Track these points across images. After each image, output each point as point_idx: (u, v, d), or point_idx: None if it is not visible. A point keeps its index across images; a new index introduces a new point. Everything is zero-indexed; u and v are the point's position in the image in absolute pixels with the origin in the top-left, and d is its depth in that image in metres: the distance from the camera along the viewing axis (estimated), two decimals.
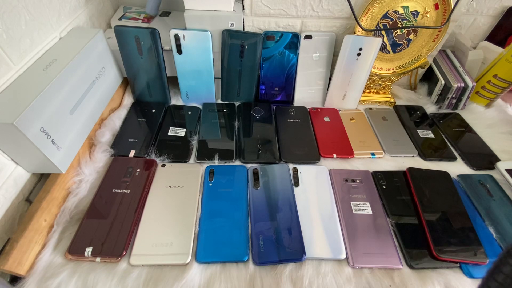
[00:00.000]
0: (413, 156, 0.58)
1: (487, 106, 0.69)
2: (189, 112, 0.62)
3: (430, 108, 0.68)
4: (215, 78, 0.62)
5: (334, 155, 0.56)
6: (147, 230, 0.43)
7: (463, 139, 0.62)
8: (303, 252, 0.41)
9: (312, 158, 0.55)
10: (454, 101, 0.67)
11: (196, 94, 0.64)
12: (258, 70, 0.62)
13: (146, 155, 0.53)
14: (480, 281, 0.27)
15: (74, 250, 0.40)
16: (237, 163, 0.54)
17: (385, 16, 0.57)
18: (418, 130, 0.62)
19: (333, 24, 0.60)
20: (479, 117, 0.67)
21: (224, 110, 0.63)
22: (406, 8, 0.56)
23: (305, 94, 0.66)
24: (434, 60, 0.70)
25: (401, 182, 0.52)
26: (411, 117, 0.66)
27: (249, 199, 0.48)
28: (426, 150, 0.59)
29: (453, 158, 0.58)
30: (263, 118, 0.62)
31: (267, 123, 0.61)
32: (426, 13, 0.57)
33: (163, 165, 0.51)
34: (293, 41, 0.59)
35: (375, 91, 0.70)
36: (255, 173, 0.51)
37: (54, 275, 0.38)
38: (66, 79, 0.44)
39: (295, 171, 0.52)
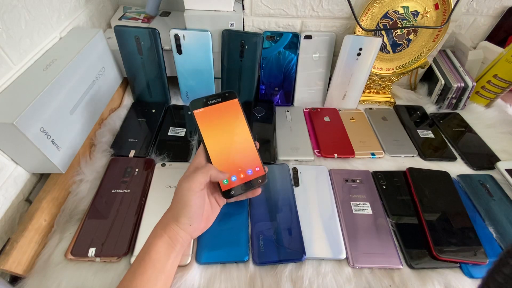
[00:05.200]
0: (413, 156, 0.58)
1: (487, 106, 0.69)
2: (189, 112, 0.62)
3: (430, 108, 0.68)
4: (215, 78, 0.62)
5: (335, 155, 0.56)
6: (147, 230, 0.42)
7: (463, 139, 0.62)
8: (303, 252, 0.41)
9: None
10: (454, 101, 0.67)
11: (196, 94, 0.64)
12: (258, 70, 0.62)
13: (146, 155, 0.53)
14: (480, 281, 0.27)
15: (77, 251, 0.40)
16: None
17: (385, 16, 0.57)
18: (418, 130, 0.62)
19: (333, 24, 0.60)
20: (479, 117, 0.67)
21: None
22: (406, 8, 0.56)
23: (305, 94, 0.66)
24: (434, 60, 0.70)
25: (401, 182, 0.52)
26: (411, 117, 0.66)
27: (249, 199, 0.48)
28: (426, 150, 0.59)
29: (453, 158, 0.58)
30: (264, 117, 0.62)
31: (267, 122, 0.61)
32: (426, 13, 0.57)
33: (163, 165, 0.51)
34: (293, 41, 0.59)
35: (375, 91, 0.70)
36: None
37: (54, 275, 0.38)
38: (66, 79, 0.44)
39: (295, 171, 0.52)
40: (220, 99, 0.41)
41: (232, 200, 0.43)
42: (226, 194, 0.40)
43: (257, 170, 0.42)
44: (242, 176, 0.41)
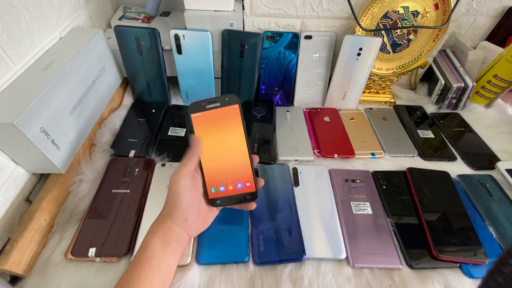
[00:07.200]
0: (413, 156, 0.58)
1: (487, 106, 0.69)
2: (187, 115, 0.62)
3: (430, 108, 0.68)
4: (215, 78, 0.62)
5: (335, 155, 0.56)
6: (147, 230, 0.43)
7: (463, 139, 0.62)
8: (303, 252, 0.41)
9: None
10: (454, 101, 0.67)
11: (196, 94, 0.64)
12: (258, 70, 0.62)
13: (146, 155, 0.53)
14: (480, 281, 0.27)
15: (77, 251, 0.40)
16: None
17: (385, 16, 0.57)
18: (418, 130, 0.62)
19: (333, 24, 0.60)
20: (479, 117, 0.67)
21: None
22: (406, 8, 0.56)
23: (305, 94, 0.66)
24: (434, 60, 0.70)
25: (401, 182, 0.52)
26: (411, 117, 0.66)
27: None
28: (426, 150, 0.59)
29: (453, 158, 0.58)
30: (264, 117, 0.62)
31: (267, 122, 0.61)
32: (426, 13, 0.57)
33: (163, 165, 0.51)
34: (293, 41, 0.59)
35: (375, 91, 0.70)
36: (255, 173, 0.51)
37: (54, 275, 0.38)
38: (66, 79, 0.44)
39: (295, 171, 0.52)
40: (219, 104, 0.38)
41: (221, 206, 0.41)
42: (212, 202, 0.38)
43: (247, 186, 0.39)
44: (230, 188, 0.39)
